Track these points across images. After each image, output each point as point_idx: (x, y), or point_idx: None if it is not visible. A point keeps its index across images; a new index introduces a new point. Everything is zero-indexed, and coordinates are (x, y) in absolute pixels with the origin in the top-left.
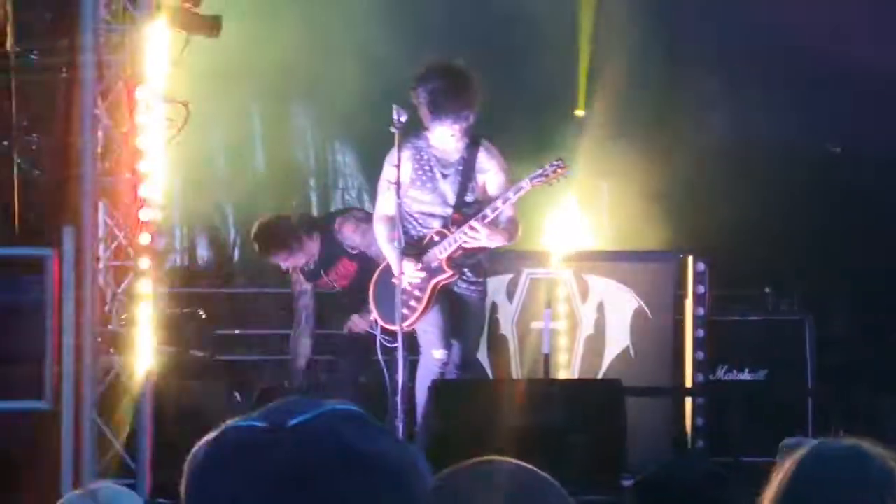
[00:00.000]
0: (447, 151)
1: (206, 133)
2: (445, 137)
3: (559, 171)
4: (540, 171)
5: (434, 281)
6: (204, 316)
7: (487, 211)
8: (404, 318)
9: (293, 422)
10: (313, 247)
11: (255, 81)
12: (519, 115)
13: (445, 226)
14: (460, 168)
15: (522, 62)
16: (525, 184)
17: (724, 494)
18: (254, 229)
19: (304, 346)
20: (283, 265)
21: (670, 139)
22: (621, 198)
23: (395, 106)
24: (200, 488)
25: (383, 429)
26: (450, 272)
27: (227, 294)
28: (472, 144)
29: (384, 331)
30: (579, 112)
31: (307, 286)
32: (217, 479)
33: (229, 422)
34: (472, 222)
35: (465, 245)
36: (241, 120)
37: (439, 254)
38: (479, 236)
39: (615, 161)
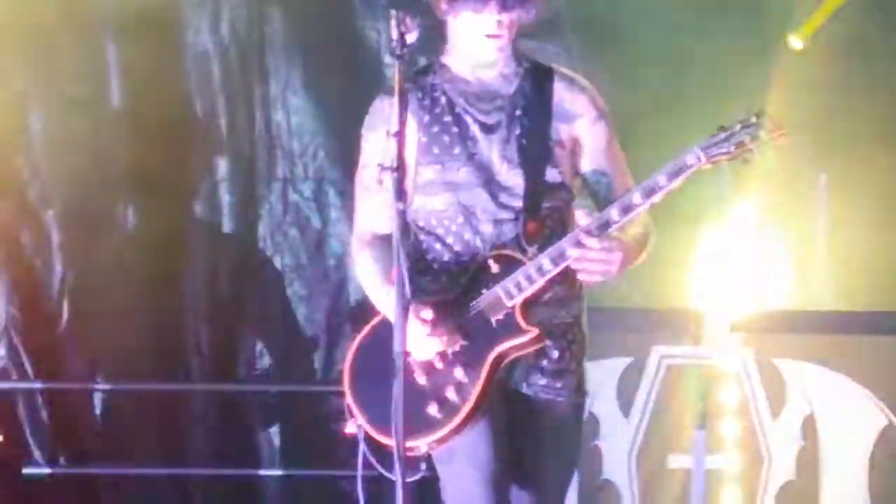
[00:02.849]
0: (485, 80)
1: (12, 79)
2: (480, 42)
3: (761, 134)
4: (723, 136)
5: (495, 352)
6: None
7: (612, 212)
8: (427, 427)
9: None
10: None
11: None
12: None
13: (516, 241)
14: (519, 112)
15: None
16: (692, 159)
17: None
18: None
19: None
20: None
21: None
22: (851, 208)
23: (394, 12)
24: None
25: None
26: (531, 333)
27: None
28: (537, 72)
29: (374, 446)
30: (794, 39)
31: None
32: None
33: None
34: (583, 236)
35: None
36: (89, 53)
37: (507, 297)
38: (594, 260)
39: (841, 140)
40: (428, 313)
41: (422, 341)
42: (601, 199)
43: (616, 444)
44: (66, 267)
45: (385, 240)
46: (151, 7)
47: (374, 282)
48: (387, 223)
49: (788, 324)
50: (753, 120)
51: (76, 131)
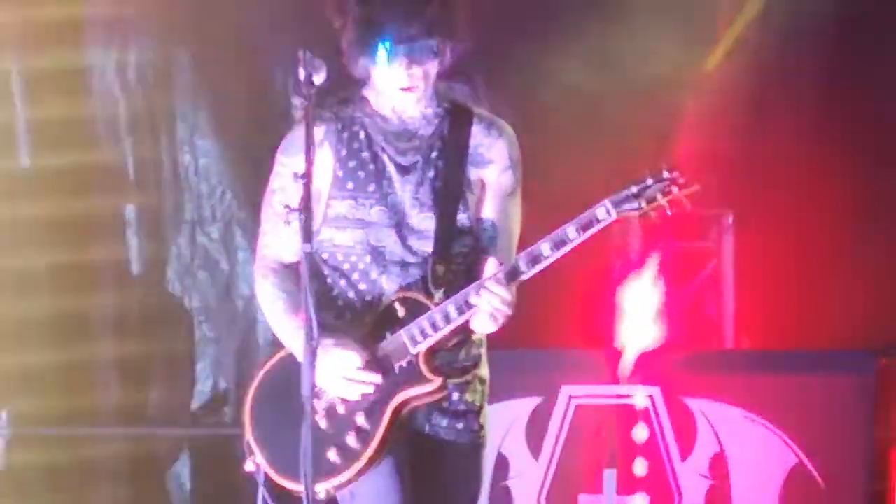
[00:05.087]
0: (405, 119)
1: None
2: (394, 94)
3: (673, 190)
4: (634, 190)
5: (397, 399)
6: None
7: (520, 262)
8: (327, 472)
9: None
10: None
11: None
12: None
13: (423, 281)
14: (435, 154)
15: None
16: (602, 213)
17: None
18: None
19: None
20: None
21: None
22: (756, 245)
23: (302, 53)
24: None
25: None
26: (434, 382)
27: None
28: (457, 113)
29: (273, 485)
30: (710, 64)
31: None
32: None
33: None
34: (492, 282)
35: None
36: None
37: (411, 343)
38: (499, 307)
39: (747, 179)
40: (357, 360)
41: (333, 376)
42: (482, 248)
43: (526, 485)
44: None
45: (290, 269)
46: (58, 49)
47: (277, 311)
48: (293, 252)
49: (697, 363)
50: (665, 175)
51: None
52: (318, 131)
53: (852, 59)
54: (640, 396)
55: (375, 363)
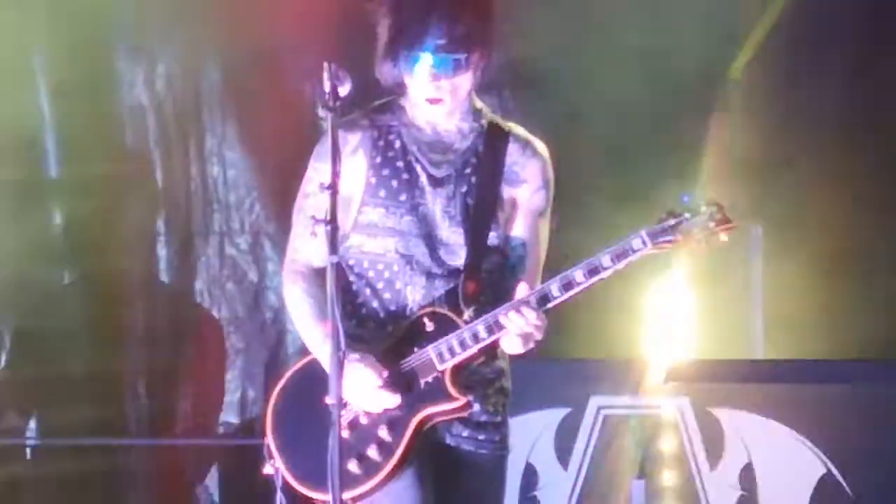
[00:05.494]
0: (440, 131)
1: None
2: (423, 105)
3: (710, 226)
4: (672, 222)
5: (421, 415)
6: None
7: (552, 287)
8: (346, 483)
9: None
10: None
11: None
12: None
13: (447, 295)
14: (468, 170)
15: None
16: (638, 243)
17: None
18: None
19: None
20: None
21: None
22: (785, 256)
23: (328, 65)
24: None
25: None
26: (459, 401)
27: None
28: (494, 130)
29: (291, 492)
30: (734, 74)
31: None
32: None
33: None
34: (523, 305)
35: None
36: (24, 107)
37: (438, 360)
38: (529, 330)
39: (776, 192)
40: (383, 375)
41: (371, 394)
42: (508, 266)
43: (555, 495)
44: (1, 324)
45: (319, 274)
46: (86, 61)
47: (305, 316)
48: (322, 258)
49: (725, 373)
50: (703, 209)
51: (11, 187)
52: (354, 138)
53: (882, 64)
54: (669, 407)
55: (400, 379)
